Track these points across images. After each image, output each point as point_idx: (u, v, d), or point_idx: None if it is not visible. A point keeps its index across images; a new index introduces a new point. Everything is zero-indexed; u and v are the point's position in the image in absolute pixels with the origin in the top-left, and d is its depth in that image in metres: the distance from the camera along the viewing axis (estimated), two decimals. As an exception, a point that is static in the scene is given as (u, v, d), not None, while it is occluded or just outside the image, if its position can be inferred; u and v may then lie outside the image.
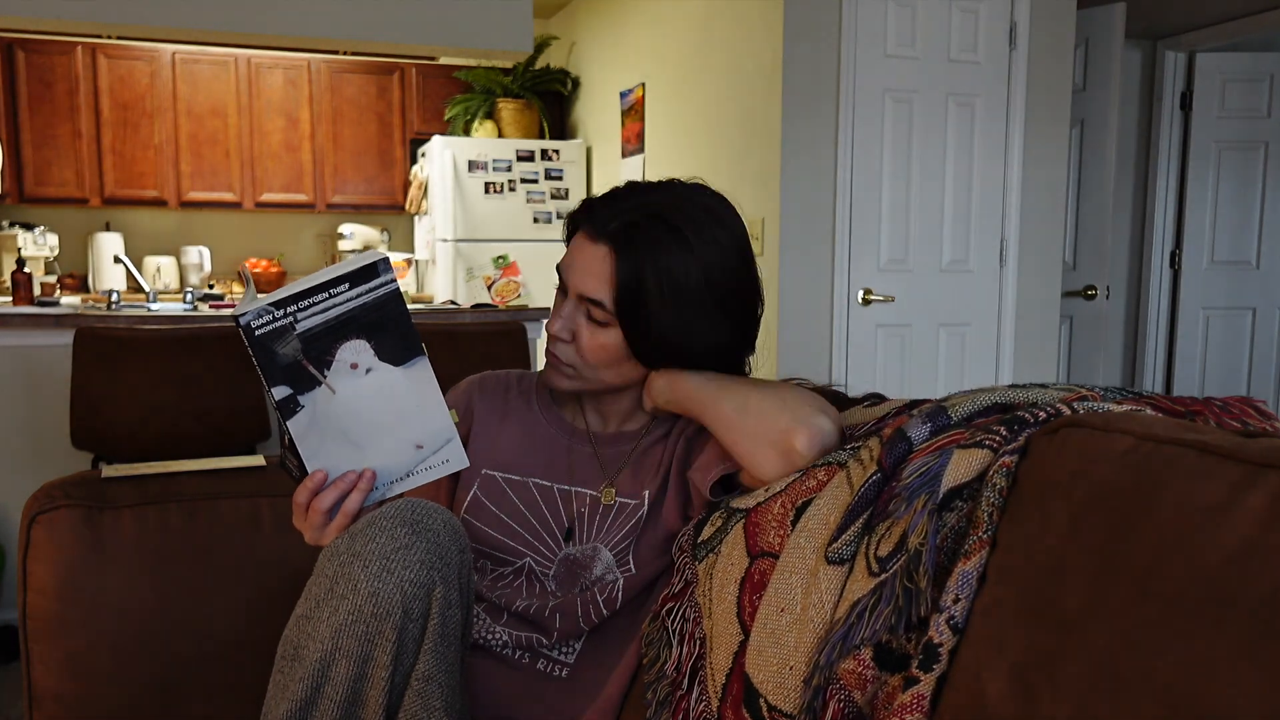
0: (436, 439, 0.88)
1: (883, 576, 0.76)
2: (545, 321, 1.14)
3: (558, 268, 1.09)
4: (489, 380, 1.20)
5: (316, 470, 0.89)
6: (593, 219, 1.04)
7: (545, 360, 1.10)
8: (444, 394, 0.89)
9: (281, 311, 0.80)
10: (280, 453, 0.94)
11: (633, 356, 1.06)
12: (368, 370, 0.83)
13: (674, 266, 1.00)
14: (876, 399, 1.08)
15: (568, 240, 1.08)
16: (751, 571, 0.90)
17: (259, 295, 0.84)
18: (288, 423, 0.84)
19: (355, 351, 0.82)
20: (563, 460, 1.13)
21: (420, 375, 0.84)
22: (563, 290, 1.08)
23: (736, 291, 1.05)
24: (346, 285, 0.79)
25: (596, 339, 1.05)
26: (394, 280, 0.81)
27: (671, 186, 1.07)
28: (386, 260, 0.80)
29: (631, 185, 1.07)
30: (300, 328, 0.80)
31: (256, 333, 0.80)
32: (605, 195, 1.07)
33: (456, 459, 0.90)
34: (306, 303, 0.79)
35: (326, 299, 0.80)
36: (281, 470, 0.94)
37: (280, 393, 0.83)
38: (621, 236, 1.01)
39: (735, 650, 0.87)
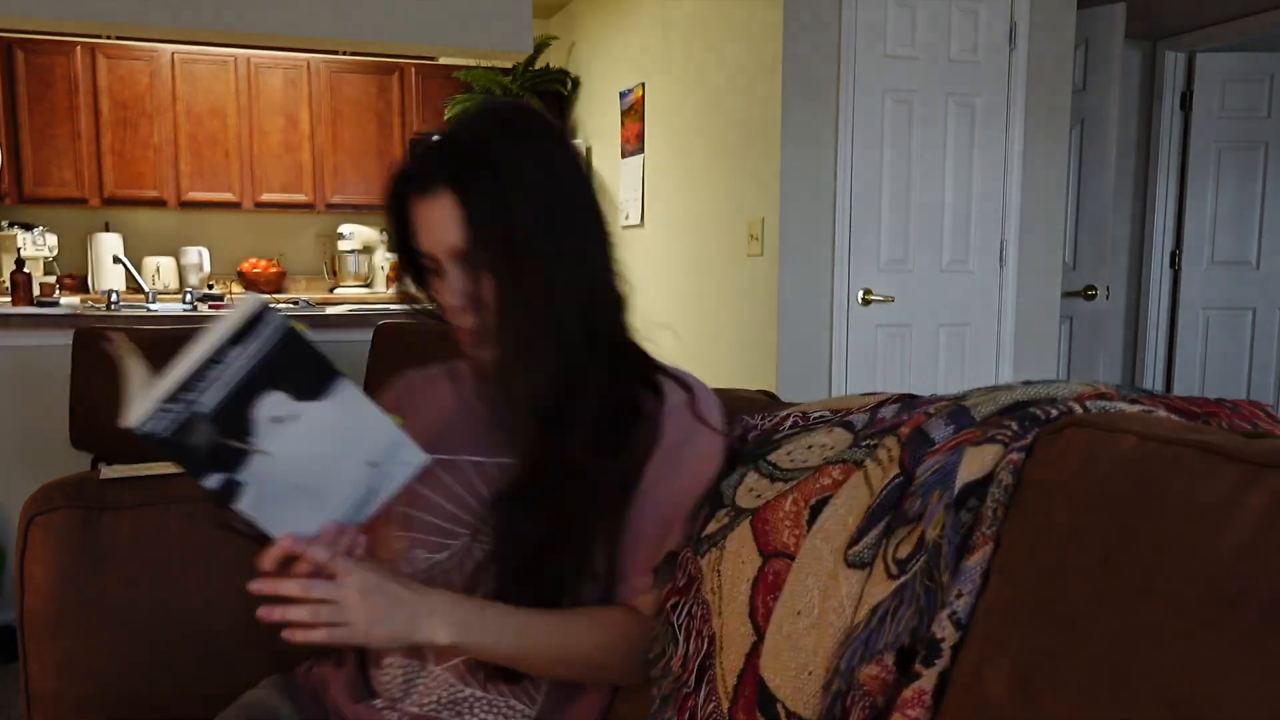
0: (387, 450, 0.83)
1: (902, 579, 0.75)
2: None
3: (403, 253, 1.02)
4: (411, 375, 1.17)
5: (283, 537, 0.81)
6: (416, 179, 0.97)
7: (462, 341, 1.03)
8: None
9: (179, 405, 0.72)
10: (214, 512, 0.84)
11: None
12: (292, 417, 0.76)
13: (518, 169, 0.94)
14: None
15: (397, 221, 1.00)
16: (765, 572, 0.88)
17: (136, 385, 0.75)
18: (235, 508, 0.77)
19: (272, 405, 0.75)
20: (493, 432, 1.06)
21: (347, 398, 0.78)
22: (422, 268, 1.01)
23: (578, 194, 1.00)
24: (237, 346, 0.72)
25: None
26: (283, 320, 0.73)
27: (465, 115, 1.02)
28: (266, 304, 0.73)
29: (424, 137, 1.04)
30: (206, 407, 0.73)
31: (159, 435, 0.72)
32: (409, 155, 1.00)
33: (414, 457, 0.85)
34: (202, 382, 0.72)
35: (220, 368, 0.72)
36: (224, 530, 0.87)
37: (215, 481, 0.75)
38: (448, 172, 0.94)
39: (748, 652, 0.86)
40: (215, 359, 0.72)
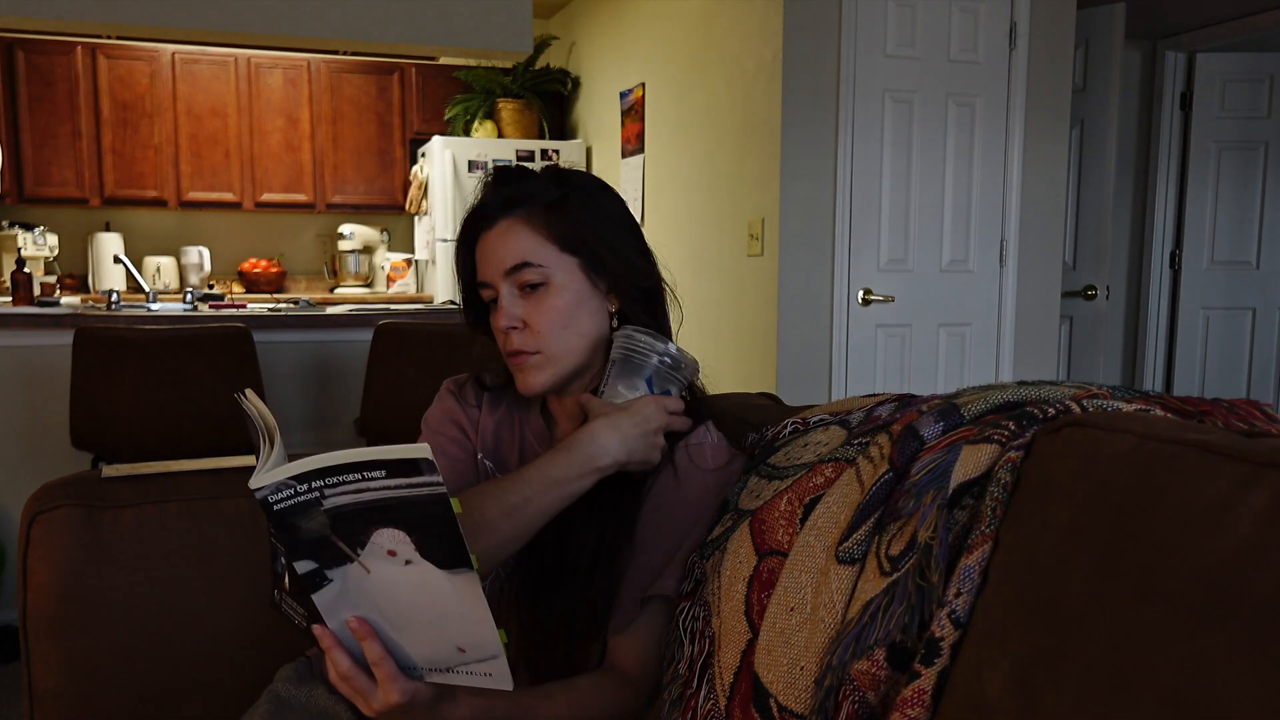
0: (481, 650, 0.77)
1: (894, 576, 0.75)
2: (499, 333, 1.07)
3: (467, 290, 1.09)
4: (482, 377, 1.19)
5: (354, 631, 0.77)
6: (491, 209, 1.05)
7: (512, 370, 1.07)
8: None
9: (305, 486, 0.70)
10: (274, 594, 0.82)
11: (584, 300, 1.05)
12: (407, 562, 0.73)
13: (600, 201, 1.07)
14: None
15: (465, 261, 1.08)
16: (760, 569, 0.89)
17: (275, 454, 0.74)
18: (313, 596, 0.75)
19: (393, 540, 0.72)
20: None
21: (466, 585, 0.73)
22: (482, 298, 1.07)
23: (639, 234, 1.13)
24: (383, 472, 0.70)
25: (544, 303, 1.03)
26: (440, 484, 0.69)
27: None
28: (430, 461, 0.69)
29: (505, 171, 1.09)
30: (328, 504, 0.71)
31: (275, 508, 0.71)
32: (487, 190, 1.07)
33: (500, 677, 0.78)
34: (335, 480, 0.70)
35: (359, 480, 0.70)
36: (275, 613, 0.82)
37: (304, 567, 0.74)
38: (523, 199, 1.04)
39: (743, 649, 0.87)
40: (358, 470, 0.70)
